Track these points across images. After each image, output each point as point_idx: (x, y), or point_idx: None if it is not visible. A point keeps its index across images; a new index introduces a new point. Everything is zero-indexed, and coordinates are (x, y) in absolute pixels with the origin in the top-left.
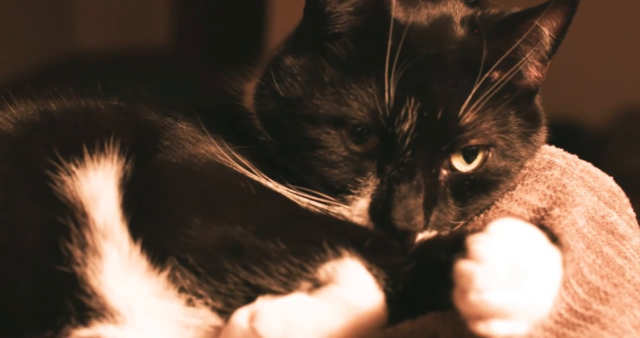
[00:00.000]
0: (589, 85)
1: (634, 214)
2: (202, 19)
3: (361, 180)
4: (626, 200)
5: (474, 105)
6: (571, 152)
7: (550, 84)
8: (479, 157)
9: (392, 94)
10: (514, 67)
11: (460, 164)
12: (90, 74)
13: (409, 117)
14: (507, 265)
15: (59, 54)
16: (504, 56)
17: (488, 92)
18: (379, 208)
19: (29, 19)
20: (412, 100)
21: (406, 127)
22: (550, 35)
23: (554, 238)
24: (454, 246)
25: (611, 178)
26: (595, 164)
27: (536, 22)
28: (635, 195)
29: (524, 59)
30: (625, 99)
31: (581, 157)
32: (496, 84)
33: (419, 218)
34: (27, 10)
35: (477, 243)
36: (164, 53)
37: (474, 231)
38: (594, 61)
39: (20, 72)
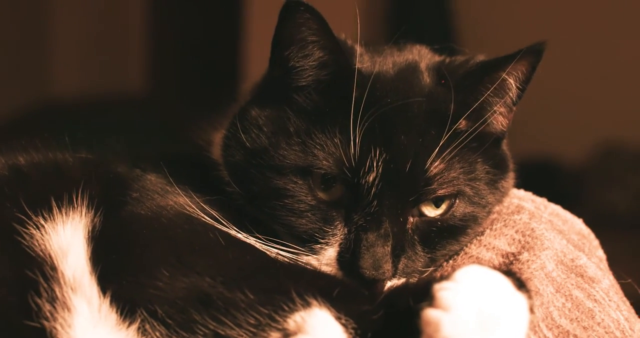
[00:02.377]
0: (565, 123)
1: (604, 256)
2: (177, 66)
3: (329, 229)
4: (596, 242)
5: (441, 156)
6: (549, 189)
7: (527, 122)
8: (445, 204)
9: (357, 145)
10: (482, 120)
11: (428, 210)
12: (65, 121)
13: (374, 168)
14: (473, 313)
15: (35, 101)
16: (472, 109)
17: (456, 143)
18: (347, 257)
19: (3, 67)
20: (378, 152)
21: (371, 178)
22: (516, 85)
23: (521, 284)
24: (422, 293)
25: (580, 220)
26: (573, 202)
27: (503, 75)
28: (613, 231)
29: (491, 111)
30: (601, 136)
31: (559, 194)
32: (464, 134)
33: (387, 267)
34: (3, 58)
35: (443, 290)
36: (139, 100)
37: (441, 278)
38: (570, 99)
39: None
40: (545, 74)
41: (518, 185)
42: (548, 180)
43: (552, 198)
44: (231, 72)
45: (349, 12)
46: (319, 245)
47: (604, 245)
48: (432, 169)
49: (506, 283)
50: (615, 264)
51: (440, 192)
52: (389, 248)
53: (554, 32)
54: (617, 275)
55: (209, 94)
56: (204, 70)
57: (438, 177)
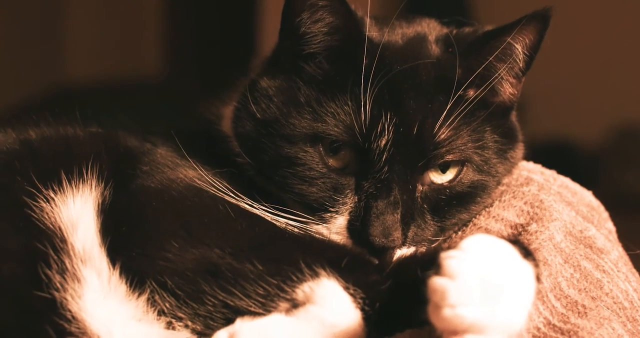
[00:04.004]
0: (582, 104)
1: (613, 228)
2: (193, 47)
3: (339, 198)
4: (605, 214)
5: (448, 122)
6: (565, 171)
7: (544, 104)
8: (453, 171)
9: (368, 111)
10: (487, 84)
11: (435, 176)
12: (80, 105)
13: (386, 132)
14: (479, 280)
15: (51, 85)
16: (475, 73)
17: (462, 108)
18: (357, 225)
19: (19, 50)
20: (389, 116)
21: (383, 142)
22: (523, 52)
23: (527, 253)
24: (430, 263)
25: (590, 192)
26: (590, 183)
27: (509, 39)
28: (630, 212)
29: (497, 75)
30: (618, 117)
31: (575, 175)
32: (470, 100)
33: (397, 234)
34: (18, 42)
35: (449, 259)
36: (155, 82)
37: (448, 248)
38: (586, 80)
39: (11, 103)
40: (563, 55)
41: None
42: (565, 162)
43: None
44: (248, 56)
45: None
46: (329, 214)
47: (620, 225)
48: (440, 134)
49: (512, 251)
50: (632, 245)
51: (449, 157)
52: (399, 216)
53: (571, 12)
54: (626, 247)
55: (226, 78)
56: (221, 53)
57: (446, 142)
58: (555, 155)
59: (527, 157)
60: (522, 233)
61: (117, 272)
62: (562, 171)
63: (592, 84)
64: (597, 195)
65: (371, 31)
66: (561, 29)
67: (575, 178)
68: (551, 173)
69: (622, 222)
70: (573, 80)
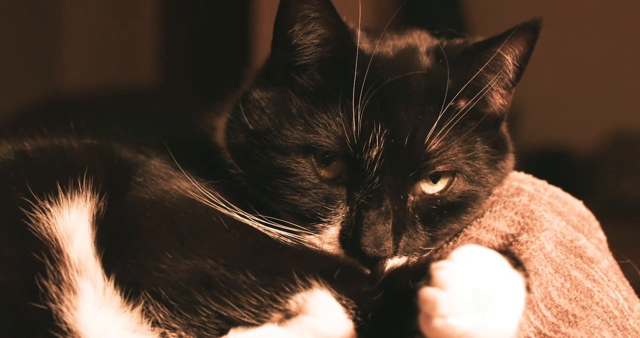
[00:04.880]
0: (577, 112)
1: (603, 237)
2: (188, 57)
3: (331, 209)
4: (596, 224)
5: (439, 133)
6: (560, 178)
7: (539, 111)
8: (444, 181)
9: (359, 122)
10: (478, 95)
11: (426, 187)
12: (76, 114)
13: (377, 143)
14: (470, 290)
15: (46, 95)
16: (466, 84)
17: (453, 119)
18: (349, 235)
19: (15, 60)
20: (380, 127)
21: (374, 153)
22: (513, 63)
23: (517, 263)
24: (421, 273)
25: (580, 202)
26: (585, 190)
27: (498, 50)
28: (626, 220)
29: (487, 86)
30: (613, 124)
31: (570, 183)
32: (461, 111)
33: (388, 244)
34: (13, 52)
35: (440, 269)
36: (150, 92)
37: (439, 259)
38: (581, 87)
39: (6, 113)
40: (557, 62)
41: (529, 173)
42: (560, 169)
43: (563, 187)
44: (243, 65)
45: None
46: (321, 224)
47: (615, 233)
48: (431, 144)
49: (502, 261)
50: (627, 252)
51: (440, 167)
52: (390, 226)
53: (565, 20)
54: (617, 256)
55: (221, 87)
56: (216, 63)
57: (437, 152)
58: (550, 163)
59: (522, 165)
60: (513, 243)
61: (111, 283)
62: (557, 179)
63: (587, 91)
64: (592, 202)
65: (362, 43)
66: (555, 36)
67: (570, 186)
68: (542, 184)
69: (617, 229)
70: (568, 88)
